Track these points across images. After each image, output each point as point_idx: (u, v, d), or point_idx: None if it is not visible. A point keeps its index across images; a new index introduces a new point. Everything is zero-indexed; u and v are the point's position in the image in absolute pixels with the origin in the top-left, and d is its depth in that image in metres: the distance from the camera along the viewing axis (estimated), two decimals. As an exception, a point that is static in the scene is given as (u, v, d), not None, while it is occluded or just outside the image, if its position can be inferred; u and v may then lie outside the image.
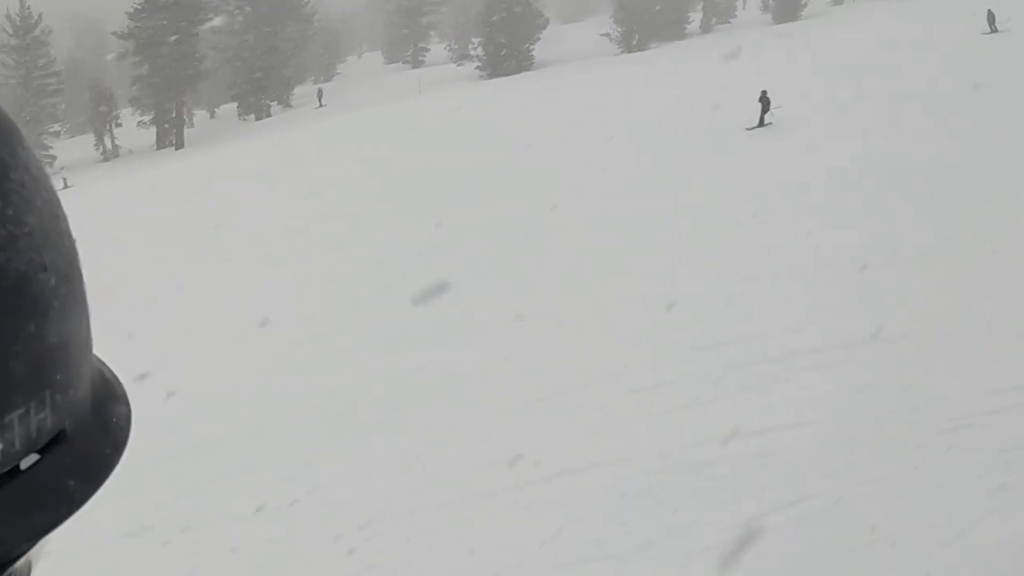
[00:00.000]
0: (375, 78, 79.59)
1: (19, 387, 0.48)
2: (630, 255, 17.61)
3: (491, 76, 67.61)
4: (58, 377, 0.51)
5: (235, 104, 75.18)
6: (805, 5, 78.59)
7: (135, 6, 64.23)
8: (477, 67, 70.15)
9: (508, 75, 66.24)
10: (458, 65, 72.21)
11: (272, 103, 74.03)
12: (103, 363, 0.61)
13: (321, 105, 69.31)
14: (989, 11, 47.24)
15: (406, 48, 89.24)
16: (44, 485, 0.50)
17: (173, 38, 63.40)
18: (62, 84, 69.31)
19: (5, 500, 0.48)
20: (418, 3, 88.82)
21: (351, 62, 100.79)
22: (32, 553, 0.50)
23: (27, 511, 0.49)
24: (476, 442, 10.63)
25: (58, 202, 0.54)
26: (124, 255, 24.47)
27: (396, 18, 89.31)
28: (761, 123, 31.20)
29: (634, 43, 72.16)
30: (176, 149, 64.46)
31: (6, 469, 0.48)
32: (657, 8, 74.83)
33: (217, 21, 68.12)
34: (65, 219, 0.55)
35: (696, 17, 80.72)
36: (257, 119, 72.38)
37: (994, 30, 46.29)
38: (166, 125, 66.42)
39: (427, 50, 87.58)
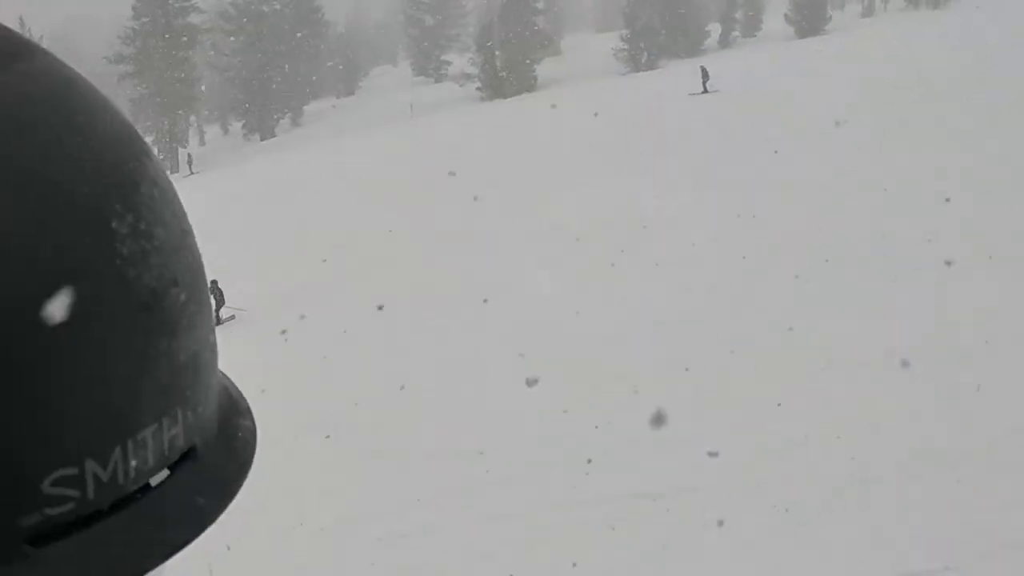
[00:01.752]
0: (381, 96, 78.35)
1: (152, 404, 0.47)
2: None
3: (491, 98, 65.63)
4: (188, 394, 0.49)
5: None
6: (830, 18, 75.01)
7: (126, 30, 63.90)
8: (477, 88, 68.20)
9: (508, 97, 64.13)
10: (460, 85, 70.21)
11: (281, 119, 73.47)
12: (228, 379, 0.59)
13: (191, 173, 57.06)
14: (702, 68, 45.29)
15: (430, 60, 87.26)
16: (174, 502, 0.48)
17: (166, 63, 62.86)
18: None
19: (136, 516, 0.46)
20: (444, 15, 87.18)
21: (377, 74, 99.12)
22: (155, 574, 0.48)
23: (158, 529, 0.47)
24: None
25: (184, 215, 0.52)
26: None
27: (416, 31, 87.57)
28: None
29: (643, 61, 69.55)
30: (170, 173, 63.86)
31: (138, 486, 0.47)
32: (668, 20, 71.63)
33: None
34: (191, 232, 0.53)
35: (715, 29, 77.51)
36: (262, 139, 71.66)
37: (705, 90, 43.86)
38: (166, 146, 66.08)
39: (449, 63, 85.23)
